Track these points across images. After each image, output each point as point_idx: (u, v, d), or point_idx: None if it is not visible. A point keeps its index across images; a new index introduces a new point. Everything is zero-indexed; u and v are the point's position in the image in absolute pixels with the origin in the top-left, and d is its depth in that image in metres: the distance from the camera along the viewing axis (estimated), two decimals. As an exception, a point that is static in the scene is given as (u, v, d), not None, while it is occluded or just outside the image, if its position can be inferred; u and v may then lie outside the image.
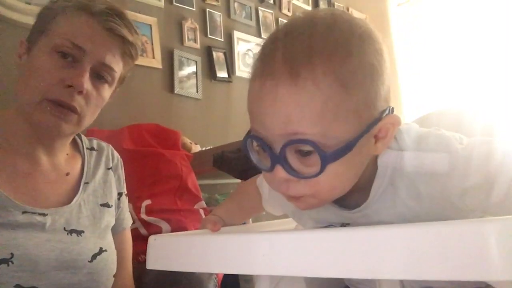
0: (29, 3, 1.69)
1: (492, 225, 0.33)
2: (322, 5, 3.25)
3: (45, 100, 0.74)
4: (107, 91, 0.82)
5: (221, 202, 0.81)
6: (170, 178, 1.52)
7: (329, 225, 0.61)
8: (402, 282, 0.56)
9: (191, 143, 1.99)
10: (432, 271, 0.34)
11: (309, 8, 3.23)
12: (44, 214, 0.76)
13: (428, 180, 0.50)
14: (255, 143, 0.53)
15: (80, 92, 0.76)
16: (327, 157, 0.46)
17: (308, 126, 0.45)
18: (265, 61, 0.49)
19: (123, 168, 0.98)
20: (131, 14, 2.10)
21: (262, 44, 0.52)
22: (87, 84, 0.76)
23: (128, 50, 0.82)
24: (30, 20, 1.65)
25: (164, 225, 1.38)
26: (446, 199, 0.50)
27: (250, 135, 0.52)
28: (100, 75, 0.79)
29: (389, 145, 0.53)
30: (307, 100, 0.45)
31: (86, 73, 0.76)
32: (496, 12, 2.69)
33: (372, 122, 0.48)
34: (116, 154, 0.98)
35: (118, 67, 0.82)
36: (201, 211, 1.53)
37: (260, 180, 0.72)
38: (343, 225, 0.59)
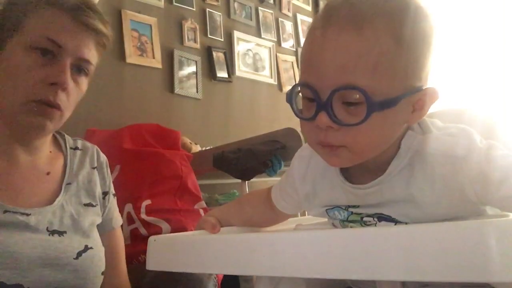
0: None
1: (492, 225, 0.33)
2: (322, 5, 3.25)
3: (31, 101, 0.74)
4: (85, 84, 0.83)
5: (224, 205, 0.81)
6: (170, 178, 1.52)
7: (335, 207, 0.62)
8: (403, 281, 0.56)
9: (191, 143, 1.99)
10: (432, 272, 0.34)
11: (309, 8, 3.24)
12: (27, 214, 0.75)
13: (445, 162, 0.52)
14: (300, 94, 0.56)
15: (64, 89, 0.76)
16: (374, 105, 0.49)
17: (361, 77, 0.49)
18: (330, 13, 0.52)
19: (108, 168, 0.98)
20: (131, 14, 2.10)
21: (326, 3, 0.56)
22: (69, 79, 0.76)
23: (101, 41, 0.82)
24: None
25: (164, 225, 1.37)
26: (458, 183, 0.52)
27: (298, 83, 0.55)
28: (79, 68, 0.79)
29: (415, 129, 0.56)
30: (366, 51, 0.49)
31: (68, 69, 0.76)
32: (494, 11, 2.69)
33: (415, 88, 0.52)
34: (101, 154, 0.98)
35: (94, 59, 0.82)
36: (201, 211, 1.53)
37: (274, 188, 0.73)
38: (349, 207, 0.60)
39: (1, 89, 0.76)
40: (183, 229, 1.35)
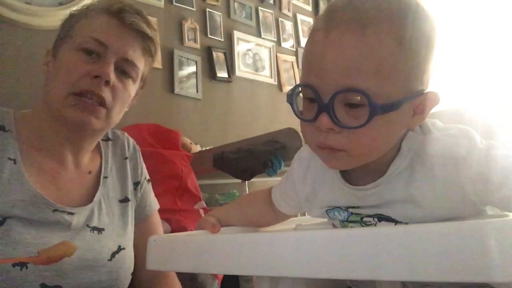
0: (29, 3, 1.69)
1: (492, 225, 0.33)
2: (322, 5, 3.25)
3: (71, 94, 0.75)
4: (132, 87, 0.83)
5: (224, 205, 0.81)
6: (170, 178, 1.52)
7: (335, 208, 0.62)
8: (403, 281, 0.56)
9: (191, 143, 1.99)
10: (432, 272, 0.34)
11: (309, 8, 3.23)
12: (72, 213, 0.77)
13: (445, 163, 0.52)
14: (301, 95, 0.56)
15: (107, 83, 0.77)
16: (376, 108, 0.48)
17: (363, 79, 0.48)
18: (333, 14, 0.52)
19: (140, 154, 0.98)
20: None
21: (327, 4, 0.56)
22: (112, 75, 0.78)
23: (147, 46, 0.84)
24: (30, 20, 1.67)
25: (164, 225, 1.37)
26: (458, 184, 0.51)
27: (299, 84, 0.55)
28: (124, 70, 0.81)
29: (415, 130, 0.56)
30: (369, 53, 0.48)
31: (111, 65, 0.78)
32: (494, 11, 2.69)
33: (417, 92, 0.52)
34: (131, 141, 0.98)
35: (140, 63, 0.83)
36: (201, 211, 1.53)
37: (274, 189, 0.73)
38: (349, 208, 0.60)
39: (50, 87, 0.78)
40: (183, 229, 1.35)
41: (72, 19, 0.82)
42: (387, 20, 0.50)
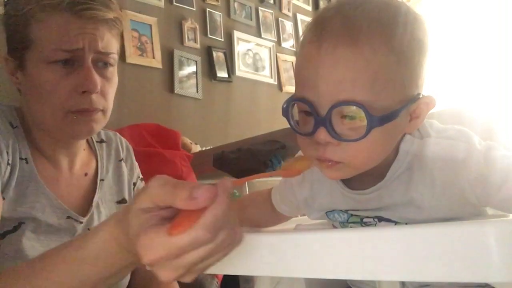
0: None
1: (492, 226, 0.33)
2: (322, 5, 3.25)
3: (70, 112, 0.73)
4: (115, 73, 0.81)
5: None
6: (170, 178, 1.52)
7: (335, 210, 0.62)
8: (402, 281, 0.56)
9: (191, 143, 1.99)
10: (432, 272, 0.34)
11: (309, 8, 3.24)
12: (81, 222, 0.76)
13: (444, 166, 0.52)
14: (297, 108, 0.55)
15: (97, 92, 0.75)
16: (374, 121, 0.48)
17: (360, 92, 0.48)
18: (323, 26, 0.51)
19: (133, 154, 0.97)
20: (131, 14, 2.10)
21: (316, 14, 0.55)
22: (98, 80, 0.74)
23: (114, 26, 0.78)
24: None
25: (164, 225, 1.37)
26: (458, 186, 0.51)
27: (294, 98, 0.54)
28: (102, 61, 0.77)
29: (413, 133, 0.56)
30: (363, 65, 0.47)
31: (92, 71, 0.74)
32: (494, 11, 2.69)
33: (413, 98, 0.52)
34: (124, 141, 0.96)
35: (114, 47, 0.79)
36: (201, 211, 1.53)
37: (274, 191, 0.73)
38: (348, 210, 0.60)
39: (36, 105, 0.75)
40: (183, 229, 1.35)
41: (17, 21, 0.73)
42: (379, 29, 0.48)
